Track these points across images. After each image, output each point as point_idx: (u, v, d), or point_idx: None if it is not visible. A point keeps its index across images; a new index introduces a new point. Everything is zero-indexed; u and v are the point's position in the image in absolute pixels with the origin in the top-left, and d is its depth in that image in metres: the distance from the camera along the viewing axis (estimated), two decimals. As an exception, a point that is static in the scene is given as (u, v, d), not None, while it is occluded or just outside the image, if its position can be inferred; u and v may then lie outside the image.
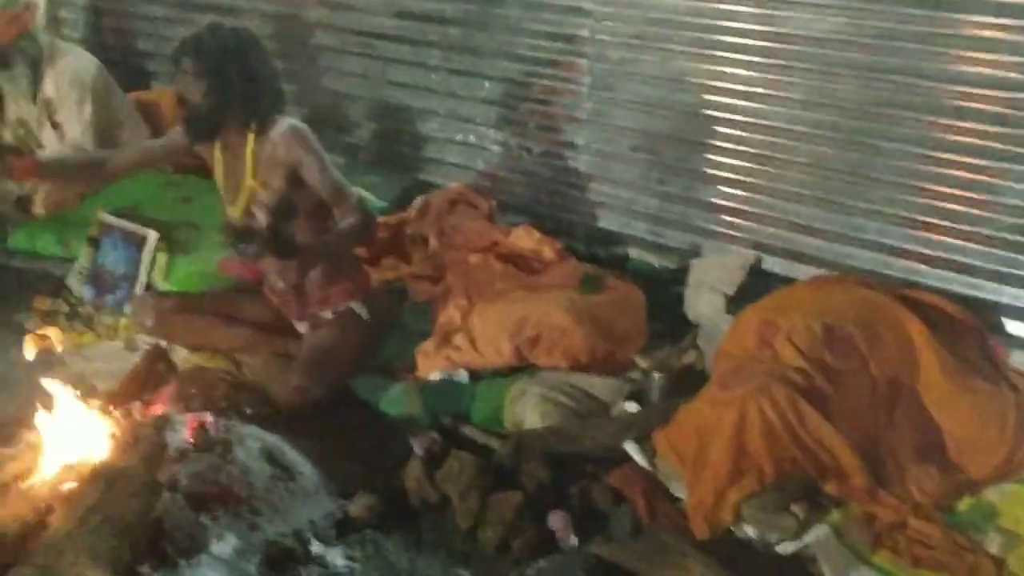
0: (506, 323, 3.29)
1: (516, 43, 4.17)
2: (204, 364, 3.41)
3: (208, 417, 2.74)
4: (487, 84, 4.25)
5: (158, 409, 2.84)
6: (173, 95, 4.65)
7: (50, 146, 4.49)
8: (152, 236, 3.82)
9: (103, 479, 2.37)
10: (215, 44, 3.13)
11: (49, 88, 4.41)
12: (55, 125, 4.47)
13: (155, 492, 2.42)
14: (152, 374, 3.13)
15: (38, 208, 4.38)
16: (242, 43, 3.17)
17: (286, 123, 3.19)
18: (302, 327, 3.45)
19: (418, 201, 4.17)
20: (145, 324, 3.42)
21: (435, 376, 3.28)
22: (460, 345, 3.32)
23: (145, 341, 3.54)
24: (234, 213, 3.29)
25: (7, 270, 4.15)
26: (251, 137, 3.18)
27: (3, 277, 4.10)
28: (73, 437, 2.56)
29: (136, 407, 2.87)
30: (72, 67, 4.42)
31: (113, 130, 4.55)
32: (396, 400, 3.21)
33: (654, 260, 3.87)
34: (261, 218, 3.20)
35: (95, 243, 3.94)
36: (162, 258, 3.83)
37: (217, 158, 3.32)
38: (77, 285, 3.91)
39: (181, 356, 3.48)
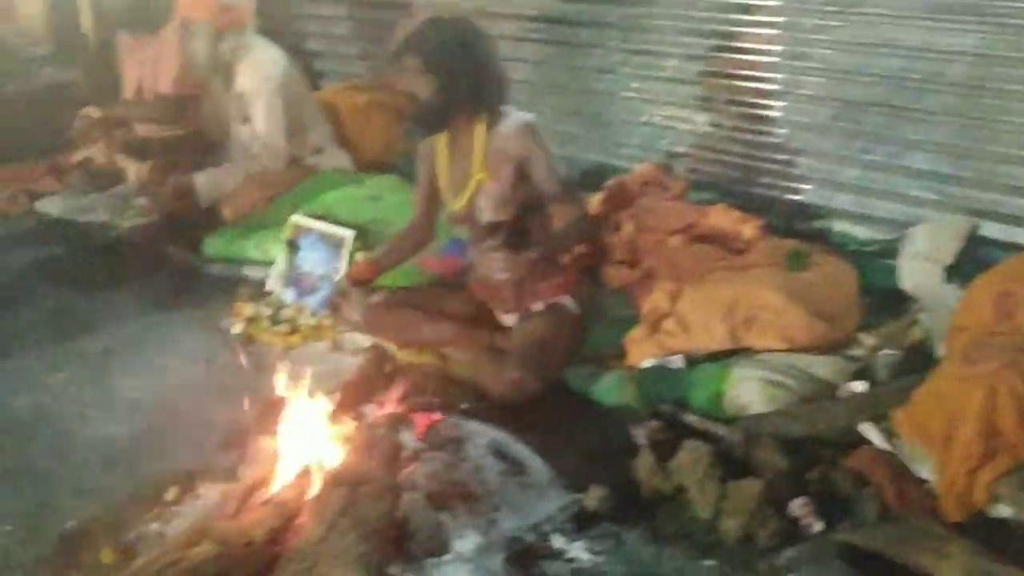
0: (717, 306, 3.23)
1: (697, 17, 4.07)
2: (411, 360, 3.43)
3: (437, 415, 2.74)
4: (671, 62, 4.16)
5: (389, 410, 2.86)
6: (348, 94, 4.83)
7: (239, 139, 4.62)
8: (349, 236, 3.87)
9: (347, 483, 2.39)
10: (439, 39, 3.15)
11: (242, 82, 4.53)
12: (246, 119, 4.55)
13: (397, 494, 2.43)
14: (379, 375, 3.15)
15: (228, 213, 4.47)
16: (465, 35, 3.19)
17: (518, 116, 3.24)
18: (509, 320, 3.45)
19: (610, 184, 4.10)
20: (352, 319, 3.45)
21: (648, 363, 3.22)
22: (671, 330, 3.26)
23: (351, 341, 3.58)
24: (457, 205, 3.34)
25: (204, 276, 4.28)
26: (480, 129, 3.23)
27: (201, 283, 4.21)
28: (308, 441, 2.59)
29: (368, 408, 2.89)
30: (264, 62, 4.53)
31: (302, 127, 4.65)
32: (610, 389, 3.18)
33: (859, 232, 3.72)
34: (485, 210, 3.27)
35: (292, 246, 4.01)
36: (360, 257, 3.85)
37: (441, 150, 3.36)
38: (278, 288, 3.98)
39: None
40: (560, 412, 3.16)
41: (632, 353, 3.29)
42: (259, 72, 4.49)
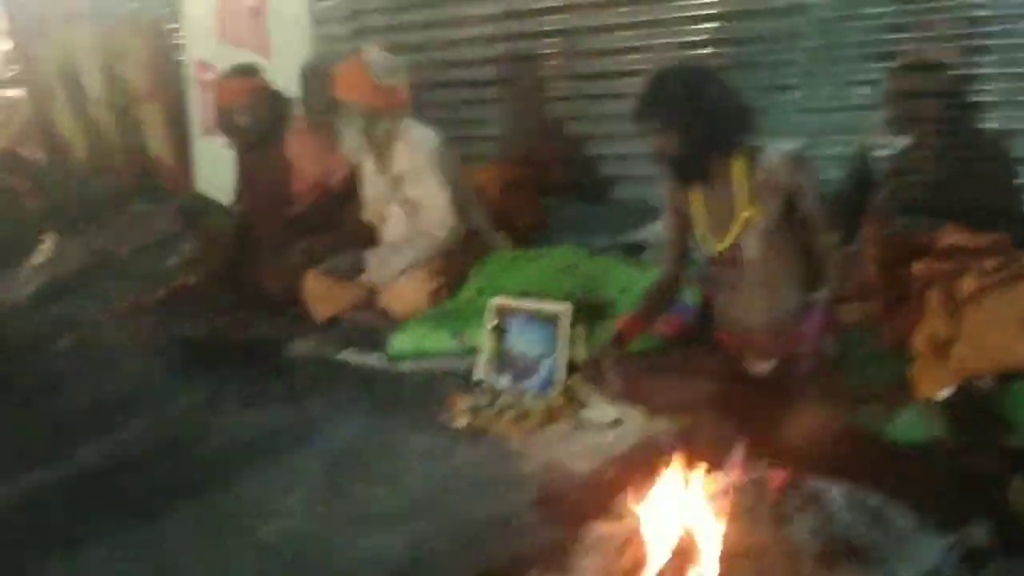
0: (1013, 320, 3.04)
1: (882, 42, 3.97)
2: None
3: (782, 473, 2.55)
4: (861, 89, 4.05)
5: (738, 473, 2.66)
6: (492, 172, 4.72)
7: (396, 222, 4.51)
8: (565, 310, 3.71)
9: (746, 556, 2.18)
10: (668, 94, 3.16)
11: (401, 162, 4.42)
12: (405, 201, 4.41)
13: (795, 560, 2.22)
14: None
15: (399, 307, 4.36)
16: (692, 82, 3.18)
17: (784, 148, 3.22)
18: (762, 367, 3.27)
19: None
20: (614, 389, 3.31)
21: (944, 393, 3.03)
22: (964, 354, 3.07)
23: (598, 416, 3.42)
24: (721, 247, 3.30)
25: (398, 378, 4.08)
26: (738, 166, 3.20)
27: (400, 385, 4.02)
28: (674, 514, 2.39)
29: (723, 474, 2.69)
30: (423, 139, 4.43)
31: (459, 208, 4.50)
32: (913, 425, 3.00)
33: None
34: (751, 247, 3.24)
35: (499, 330, 3.84)
36: (580, 330, 3.69)
37: (695, 197, 3.31)
38: (490, 376, 3.79)
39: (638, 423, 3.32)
40: (862, 455, 2.95)
41: (924, 386, 3.09)
42: (420, 149, 4.40)
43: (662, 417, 3.35)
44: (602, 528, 2.56)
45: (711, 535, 2.31)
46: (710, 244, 3.33)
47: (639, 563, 2.34)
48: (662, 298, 3.55)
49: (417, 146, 4.38)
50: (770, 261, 3.25)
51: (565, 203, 5.12)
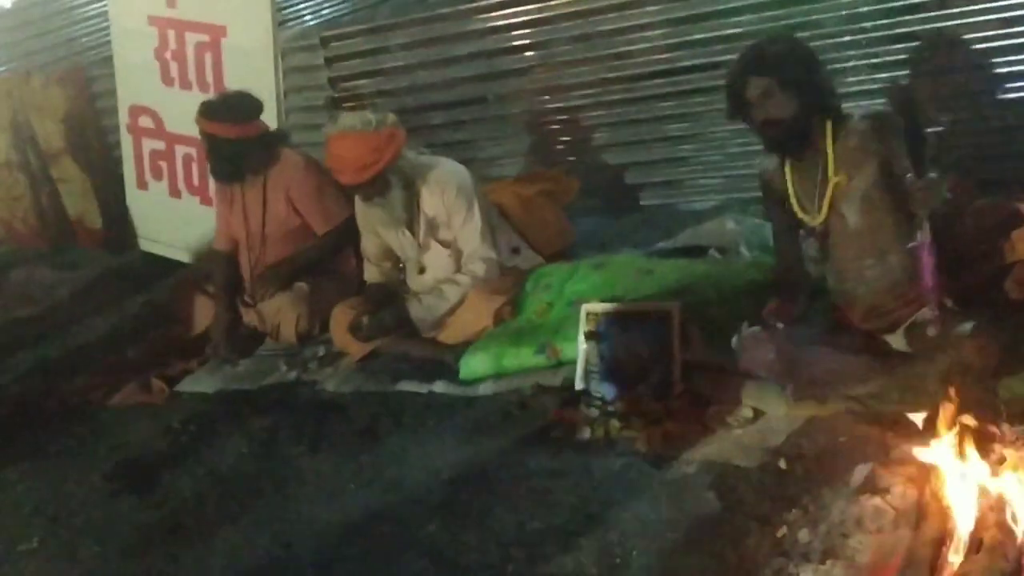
0: None
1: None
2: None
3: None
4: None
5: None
6: (511, 189, 4.56)
7: (437, 265, 4.25)
8: (675, 307, 3.59)
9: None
10: (786, 54, 3.17)
11: (430, 205, 4.22)
12: (445, 244, 4.20)
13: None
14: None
15: (450, 336, 4.21)
16: (797, 46, 3.26)
17: (871, 111, 3.26)
18: (899, 342, 3.21)
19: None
20: (766, 361, 3.19)
21: None
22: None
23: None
24: (818, 220, 3.28)
25: (483, 401, 3.87)
26: (828, 131, 3.19)
27: (491, 407, 3.81)
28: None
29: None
30: (451, 177, 4.25)
31: (493, 231, 4.36)
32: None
33: None
34: (851, 214, 3.21)
35: (596, 336, 3.67)
36: (693, 329, 3.56)
37: (785, 172, 3.30)
38: (596, 386, 3.62)
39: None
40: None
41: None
42: (450, 186, 4.21)
43: (806, 404, 3.20)
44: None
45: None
46: (808, 218, 3.30)
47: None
48: (796, 281, 3.49)
49: (445, 186, 4.20)
50: (874, 227, 3.21)
51: (589, 216, 4.95)
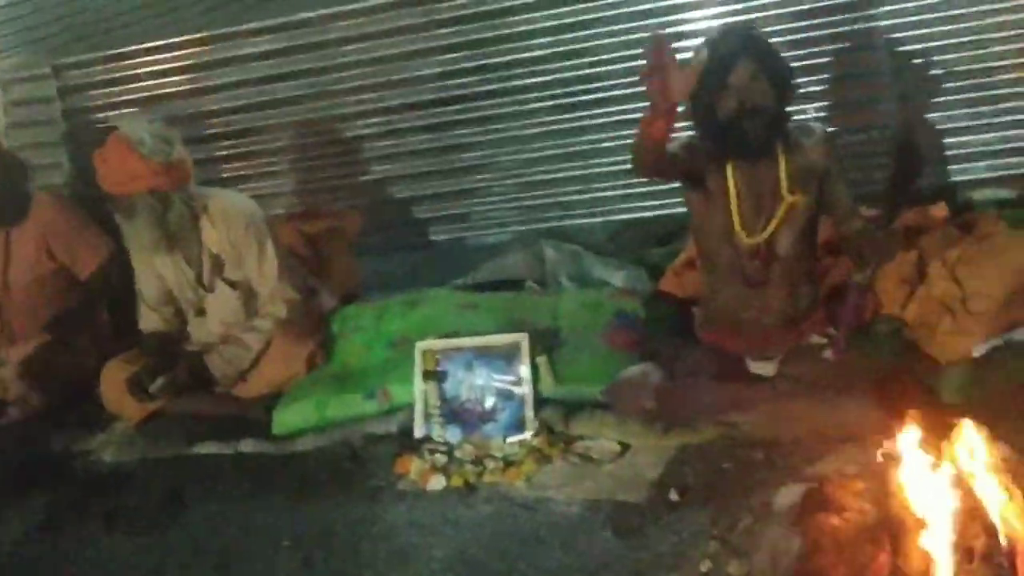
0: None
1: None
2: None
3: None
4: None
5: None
6: (294, 226, 4.24)
7: (221, 309, 3.86)
8: (524, 339, 3.38)
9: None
10: (759, 45, 3.00)
11: (214, 241, 3.79)
12: (232, 284, 3.82)
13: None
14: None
15: (250, 390, 3.79)
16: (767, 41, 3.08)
17: (814, 127, 3.13)
18: (761, 367, 3.17)
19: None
20: (646, 408, 3.02)
21: (981, 350, 3.10)
22: (983, 309, 3.16)
23: (598, 448, 3.17)
24: (760, 238, 3.09)
25: (304, 457, 3.51)
26: (779, 146, 3.03)
27: (315, 464, 3.46)
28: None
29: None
30: (238, 209, 3.84)
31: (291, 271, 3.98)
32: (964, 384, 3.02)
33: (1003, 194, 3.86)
34: (786, 237, 3.09)
35: (436, 376, 3.40)
36: (543, 360, 3.37)
37: (730, 179, 3.04)
38: (438, 429, 3.36)
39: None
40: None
41: (954, 347, 3.13)
42: (238, 219, 3.79)
43: (675, 433, 3.09)
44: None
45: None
46: (746, 235, 3.10)
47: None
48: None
49: (232, 220, 3.77)
50: (801, 254, 3.12)
51: (374, 254, 4.65)
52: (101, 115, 4.92)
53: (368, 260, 4.65)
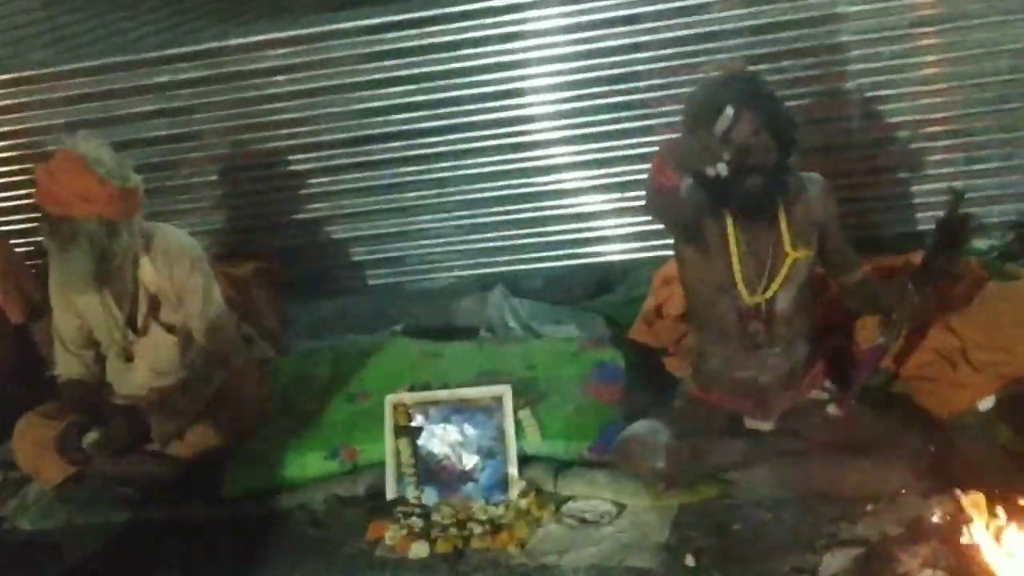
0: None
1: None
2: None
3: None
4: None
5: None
6: (221, 268, 3.97)
7: (154, 354, 3.53)
8: (506, 390, 3.18)
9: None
10: (766, 90, 2.82)
11: (154, 279, 3.47)
12: (169, 328, 3.51)
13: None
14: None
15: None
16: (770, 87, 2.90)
17: (812, 177, 2.95)
18: (763, 425, 3.05)
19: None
20: (656, 468, 2.85)
21: (987, 403, 3.04)
22: (989, 360, 3.11)
23: (591, 508, 3.00)
24: (764, 297, 2.91)
25: (245, 525, 3.22)
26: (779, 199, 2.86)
27: (273, 531, 3.18)
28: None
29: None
30: (184, 246, 3.53)
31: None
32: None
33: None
34: (787, 294, 2.91)
35: (410, 432, 3.18)
36: (526, 414, 3.18)
37: (730, 234, 2.88)
38: (413, 490, 3.13)
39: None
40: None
41: (957, 401, 3.07)
42: (183, 257, 3.48)
43: (673, 492, 2.94)
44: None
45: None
46: (748, 293, 2.90)
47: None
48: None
49: (177, 257, 3.46)
50: (798, 308, 2.95)
51: (302, 299, 4.38)
52: (9, 142, 4.53)
53: (295, 305, 4.37)
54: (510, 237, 4.45)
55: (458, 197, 4.39)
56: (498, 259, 4.47)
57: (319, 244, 4.54)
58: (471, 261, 4.50)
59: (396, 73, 4.24)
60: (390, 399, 3.23)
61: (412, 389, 3.30)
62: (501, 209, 4.40)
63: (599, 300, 4.22)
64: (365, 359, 3.64)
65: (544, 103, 4.19)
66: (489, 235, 4.45)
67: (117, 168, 3.30)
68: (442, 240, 4.49)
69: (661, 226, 3.01)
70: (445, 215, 4.44)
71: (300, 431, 3.40)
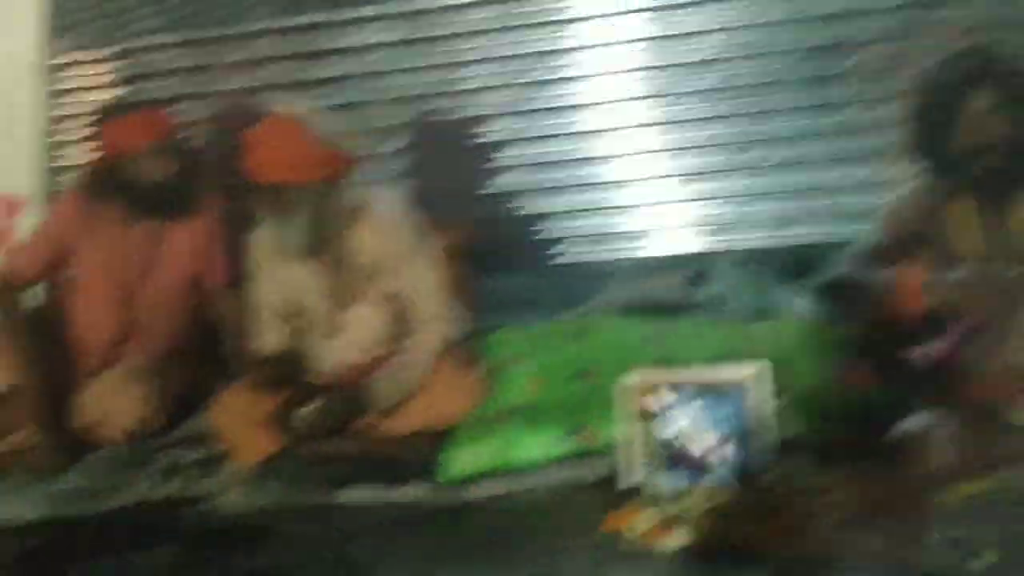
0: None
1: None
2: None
3: None
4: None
5: None
6: None
7: (362, 329, 3.39)
8: (762, 372, 2.96)
9: None
10: (1001, 68, 2.71)
11: (371, 247, 3.34)
12: (386, 299, 3.38)
13: None
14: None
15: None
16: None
17: None
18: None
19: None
20: (948, 459, 2.64)
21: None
22: None
23: None
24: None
25: (467, 511, 3.05)
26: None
27: (479, 520, 2.98)
28: None
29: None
30: (397, 213, 3.42)
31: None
32: None
33: None
34: None
35: (648, 415, 2.97)
36: (773, 396, 2.96)
37: (964, 221, 2.74)
38: (653, 477, 2.93)
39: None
40: None
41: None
42: (401, 224, 3.39)
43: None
44: None
45: None
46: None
47: None
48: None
49: (395, 224, 3.36)
50: None
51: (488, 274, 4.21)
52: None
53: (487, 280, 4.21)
54: (710, 211, 4.24)
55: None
56: (699, 235, 4.28)
57: (505, 217, 4.36)
58: (669, 237, 4.30)
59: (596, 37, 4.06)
60: (626, 380, 3.04)
61: (646, 369, 3.10)
62: (704, 184, 4.19)
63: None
64: (581, 337, 3.46)
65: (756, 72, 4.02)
66: (689, 208, 4.26)
67: (327, 129, 3.17)
68: (638, 215, 4.28)
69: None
70: (644, 189, 4.23)
71: (521, 412, 3.22)
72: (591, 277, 4.27)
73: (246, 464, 3.37)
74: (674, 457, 2.97)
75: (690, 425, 2.99)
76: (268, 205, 3.19)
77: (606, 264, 4.32)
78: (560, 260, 4.39)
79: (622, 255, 4.32)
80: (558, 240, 4.39)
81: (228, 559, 2.97)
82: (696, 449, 2.97)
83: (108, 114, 3.68)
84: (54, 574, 2.99)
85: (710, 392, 2.99)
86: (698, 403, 2.99)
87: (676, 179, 4.17)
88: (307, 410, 3.20)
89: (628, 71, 4.13)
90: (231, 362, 3.75)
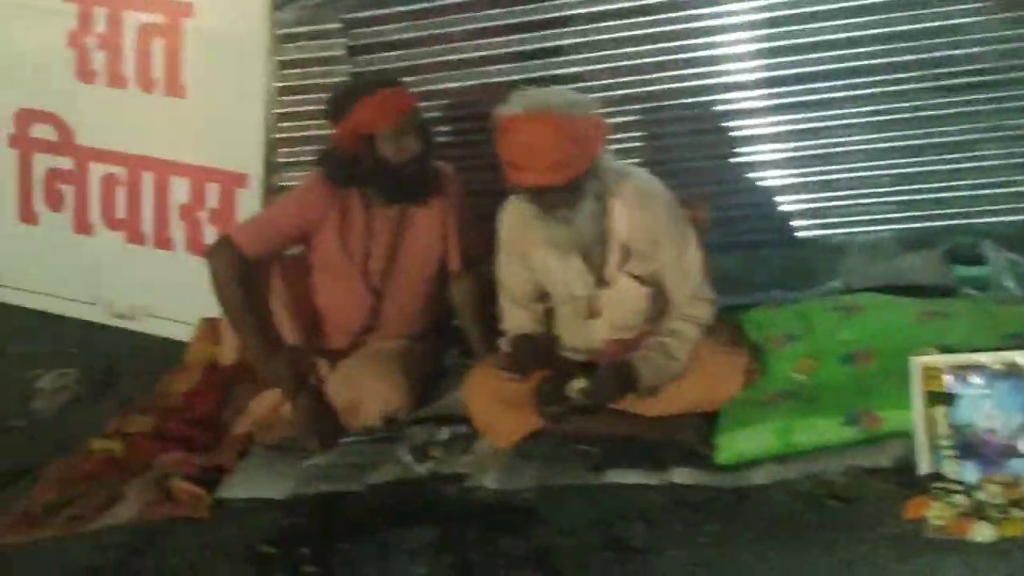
0: None
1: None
2: None
3: None
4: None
5: None
6: None
7: (619, 312, 3.31)
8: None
9: None
10: None
11: (629, 227, 3.24)
12: (640, 280, 3.28)
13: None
14: None
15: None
16: None
17: None
18: None
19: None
20: None
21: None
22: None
23: None
24: None
25: (749, 496, 2.96)
26: None
27: (762, 506, 2.91)
28: None
29: None
30: (658, 190, 3.31)
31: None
32: None
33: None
34: None
35: (944, 399, 2.85)
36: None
37: None
38: (951, 465, 2.81)
39: None
40: None
41: None
42: (658, 201, 3.26)
43: None
44: None
45: None
46: None
47: None
48: None
49: (652, 202, 3.24)
50: None
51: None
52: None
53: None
54: (946, 189, 4.08)
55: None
56: (927, 213, 4.15)
57: (737, 192, 4.25)
58: (903, 214, 4.15)
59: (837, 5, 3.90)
60: (919, 361, 2.93)
61: (939, 352, 2.98)
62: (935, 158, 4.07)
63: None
64: (846, 316, 3.34)
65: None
66: (923, 186, 4.11)
67: (572, 104, 3.08)
68: (871, 190, 4.14)
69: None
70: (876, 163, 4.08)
71: (794, 395, 3.12)
72: (836, 253, 4.12)
73: (501, 444, 3.32)
74: (975, 444, 2.85)
75: (993, 410, 2.86)
76: (563, 206, 3.12)
77: (851, 240, 4.17)
78: (805, 235, 4.24)
79: (868, 231, 4.16)
80: (788, 216, 4.24)
81: (494, 541, 2.95)
82: (999, 436, 2.84)
83: (348, 92, 3.63)
84: (320, 550, 2.98)
85: (1009, 376, 2.87)
86: (996, 388, 2.87)
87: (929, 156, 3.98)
88: (579, 383, 3.14)
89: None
90: (472, 344, 3.73)
